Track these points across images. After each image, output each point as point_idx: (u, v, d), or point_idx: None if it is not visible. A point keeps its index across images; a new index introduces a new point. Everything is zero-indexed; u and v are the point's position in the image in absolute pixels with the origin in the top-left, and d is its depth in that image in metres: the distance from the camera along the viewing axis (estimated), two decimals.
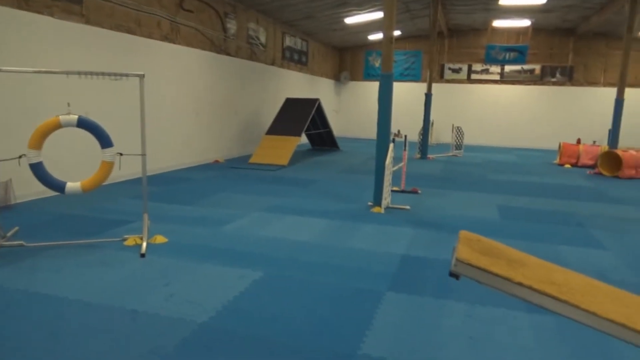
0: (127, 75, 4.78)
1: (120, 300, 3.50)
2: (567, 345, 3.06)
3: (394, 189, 7.81)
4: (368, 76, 20.71)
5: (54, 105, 6.22)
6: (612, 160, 11.70)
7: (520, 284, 1.62)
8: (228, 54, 11.71)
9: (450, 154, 15.29)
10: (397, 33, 17.12)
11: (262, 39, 13.52)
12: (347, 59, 21.09)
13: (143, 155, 5.01)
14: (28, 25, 6.45)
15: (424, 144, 13.98)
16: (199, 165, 10.71)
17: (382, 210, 6.70)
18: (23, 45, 6.39)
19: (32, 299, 3.51)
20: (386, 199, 6.83)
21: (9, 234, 4.73)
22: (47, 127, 4.52)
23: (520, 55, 18.28)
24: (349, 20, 15.19)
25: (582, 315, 1.52)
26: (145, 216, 4.99)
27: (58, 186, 4.68)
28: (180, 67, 9.89)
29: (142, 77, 4.84)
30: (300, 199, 7.37)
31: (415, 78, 19.94)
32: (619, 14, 13.63)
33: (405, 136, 8.46)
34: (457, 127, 15.47)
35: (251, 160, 11.21)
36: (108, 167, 4.76)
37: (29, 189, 6.38)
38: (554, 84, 18.53)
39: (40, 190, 6.27)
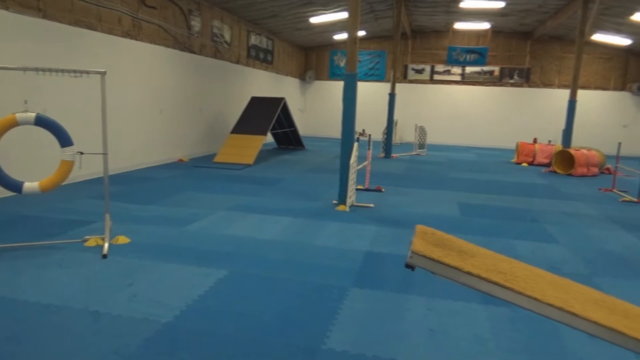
0: (87, 72, 4.69)
1: (82, 302, 3.45)
2: (520, 335, 3.24)
3: (359, 187, 7.94)
4: (333, 75, 20.85)
5: (10, 103, 6.02)
6: (565, 159, 12.25)
7: (469, 273, 1.73)
8: (192, 52, 11.57)
9: (414, 153, 15.62)
10: (361, 33, 17.32)
11: (227, 37, 13.43)
12: (313, 58, 21.17)
13: (104, 154, 4.92)
14: None
15: (387, 143, 14.21)
16: (163, 164, 10.55)
17: (347, 208, 6.81)
18: None
19: None
20: (351, 197, 6.95)
21: None
22: (3, 125, 4.38)
23: (480, 57, 18.91)
24: (315, 20, 15.27)
25: (524, 301, 1.65)
26: (107, 216, 4.91)
27: (15, 186, 4.55)
28: (143, 64, 9.71)
29: (103, 74, 4.76)
30: (265, 198, 7.39)
31: (380, 78, 20.22)
32: (572, 18, 14.27)
33: (370, 135, 8.60)
34: (420, 127, 15.82)
35: (216, 159, 11.13)
36: (68, 166, 4.65)
37: None
38: (512, 85, 19.19)
39: None
